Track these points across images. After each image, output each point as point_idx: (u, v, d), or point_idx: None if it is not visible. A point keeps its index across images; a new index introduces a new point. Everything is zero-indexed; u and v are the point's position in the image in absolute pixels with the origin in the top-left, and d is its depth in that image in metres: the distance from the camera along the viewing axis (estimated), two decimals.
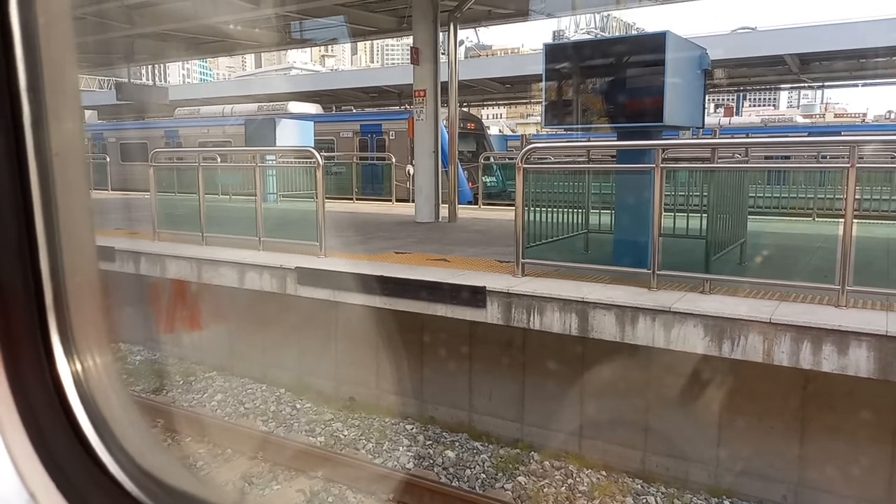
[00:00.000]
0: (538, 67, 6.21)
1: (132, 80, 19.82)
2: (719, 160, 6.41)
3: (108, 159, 19.85)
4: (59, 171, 0.88)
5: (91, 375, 0.92)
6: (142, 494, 0.89)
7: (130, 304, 8.56)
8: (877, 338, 4.16)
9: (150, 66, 22.32)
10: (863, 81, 24.73)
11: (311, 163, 7.77)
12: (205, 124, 21.75)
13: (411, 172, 13.34)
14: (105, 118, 28.78)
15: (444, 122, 11.33)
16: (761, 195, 10.61)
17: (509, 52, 78.75)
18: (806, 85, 26.43)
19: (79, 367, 0.91)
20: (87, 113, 29.97)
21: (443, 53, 11.00)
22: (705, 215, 5.50)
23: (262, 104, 21.61)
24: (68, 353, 0.90)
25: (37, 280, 0.88)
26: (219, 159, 11.12)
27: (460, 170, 14.08)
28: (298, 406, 7.04)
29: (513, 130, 49.77)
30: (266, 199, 8.28)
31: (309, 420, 6.70)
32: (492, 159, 18.06)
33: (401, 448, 6.12)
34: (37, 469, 0.85)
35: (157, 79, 23.74)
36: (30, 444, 0.86)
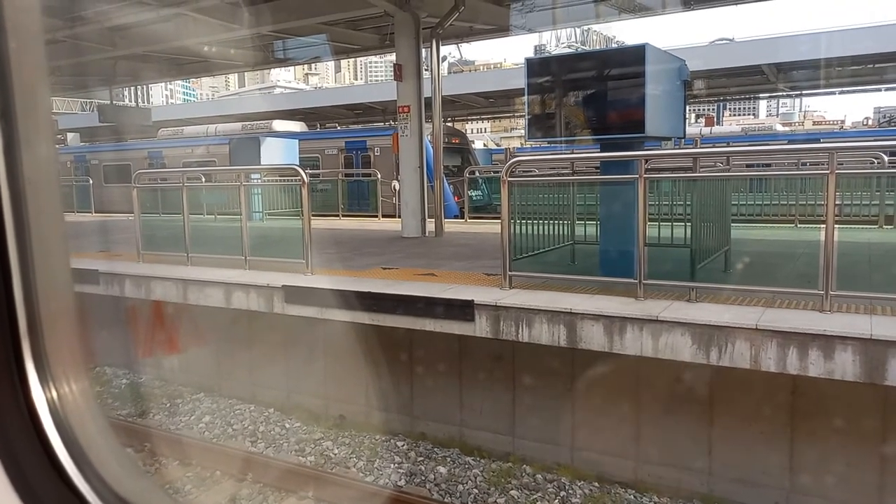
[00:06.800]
0: (521, 82, 6.26)
1: (114, 102, 19.76)
2: (701, 169, 6.47)
3: (90, 182, 19.72)
4: (32, 197, 0.87)
5: (67, 402, 0.91)
6: None
7: (115, 327, 8.46)
8: (861, 341, 4.19)
9: (132, 88, 22.24)
10: (840, 89, 25.19)
11: (296, 180, 7.76)
12: (189, 144, 21.66)
13: (397, 188, 13.36)
14: (88, 141, 28.63)
15: (429, 137, 11.37)
16: (744, 203, 10.72)
17: (492, 66, 79.34)
18: (784, 94, 26.84)
19: (54, 393, 0.90)
20: (70, 136, 29.83)
21: (426, 69, 11.06)
22: (689, 224, 5.55)
23: (247, 123, 21.58)
24: (43, 379, 0.89)
25: (10, 307, 0.86)
26: (203, 179, 11.07)
27: (446, 184, 14.13)
28: (287, 426, 6.97)
29: (497, 144, 50.07)
30: (251, 217, 8.25)
31: (299, 440, 6.63)
32: (477, 173, 18.12)
33: (392, 465, 6.07)
34: (12, 499, 0.84)
35: (139, 100, 23.65)
36: (4, 472, 0.84)
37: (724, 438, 5.31)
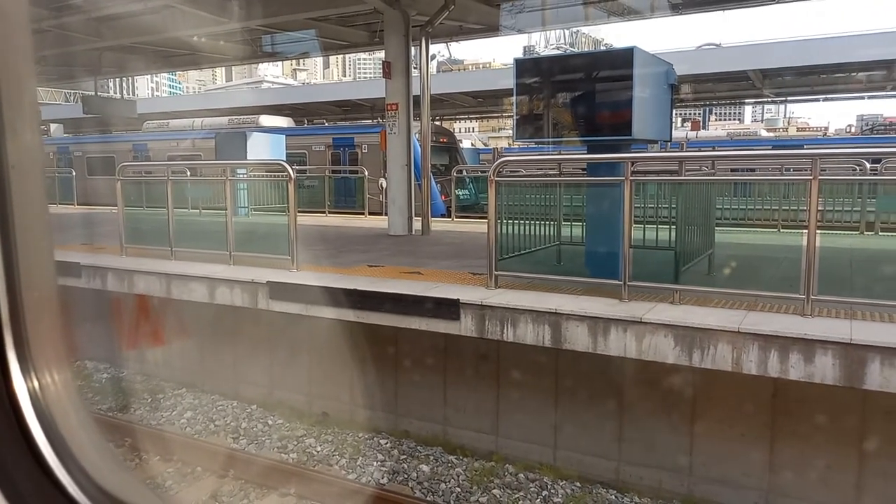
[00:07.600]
0: (509, 82, 6.27)
1: (99, 94, 19.53)
2: (687, 173, 6.52)
3: (73, 173, 19.49)
4: (17, 184, 0.86)
5: (49, 393, 0.89)
6: None
7: (96, 320, 8.37)
8: (841, 346, 4.25)
9: (118, 80, 22.01)
10: (824, 96, 25.51)
11: (282, 176, 7.72)
12: (174, 138, 21.48)
13: (384, 185, 13.33)
14: (71, 132, 28.27)
15: (417, 135, 11.36)
16: (728, 207, 10.80)
17: (481, 66, 79.43)
18: (769, 99, 27.15)
19: (36, 384, 0.88)
20: (53, 126, 29.44)
21: (415, 67, 11.05)
22: (674, 227, 5.58)
23: (233, 117, 21.43)
24: (25, 370, 0.88)
25: None
26: (189, 173, 10.98)
27: (433, 183, 14.13)
28: (270, 422, 6.93)
29: (485, 144, 50.17)
30: (237, 212, 8.20)
31: (281, 436, 6.60)
32: (464, 172, 18.13)
33: (375, 463, 6.06)
34: None
35: (125, 92, 23.41)
36: None
37: (705, 439, 5.36)
